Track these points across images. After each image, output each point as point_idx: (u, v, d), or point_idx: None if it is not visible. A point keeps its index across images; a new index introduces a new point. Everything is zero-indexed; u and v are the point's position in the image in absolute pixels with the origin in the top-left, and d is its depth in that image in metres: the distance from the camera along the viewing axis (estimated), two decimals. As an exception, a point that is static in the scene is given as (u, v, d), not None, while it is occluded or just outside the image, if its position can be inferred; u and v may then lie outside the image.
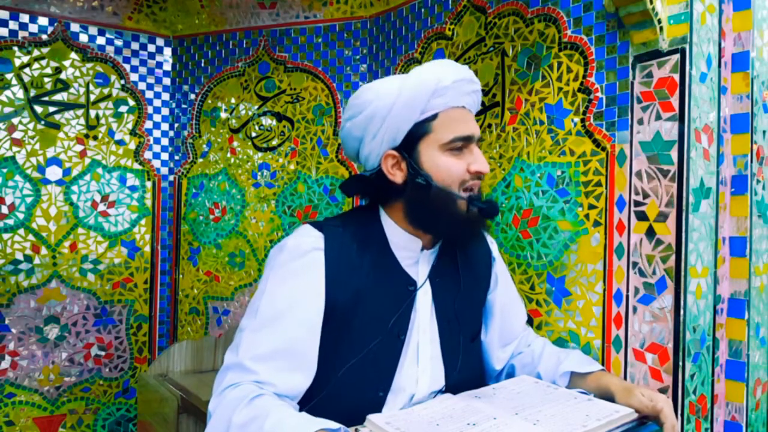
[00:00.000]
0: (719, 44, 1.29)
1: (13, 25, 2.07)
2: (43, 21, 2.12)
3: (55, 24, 2.14)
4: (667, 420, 1.01)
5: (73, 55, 2.17)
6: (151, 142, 2.33)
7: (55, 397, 2.18)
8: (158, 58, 2.35)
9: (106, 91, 2.24)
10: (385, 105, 1.06)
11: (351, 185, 1.22)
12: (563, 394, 1.10)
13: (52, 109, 2.14)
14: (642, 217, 1.27)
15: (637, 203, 1.28)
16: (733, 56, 1.33)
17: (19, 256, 2.10)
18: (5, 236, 2.08)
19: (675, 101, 1.21)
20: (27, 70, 2.10)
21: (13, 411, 2.11)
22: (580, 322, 1.40)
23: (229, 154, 2.30)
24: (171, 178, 2.36)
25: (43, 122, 2.13)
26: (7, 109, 2.07)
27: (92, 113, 2.21)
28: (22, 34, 2.09)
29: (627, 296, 1.30)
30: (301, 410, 1.03)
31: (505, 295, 1.30)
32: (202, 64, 2.33)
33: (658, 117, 1.24)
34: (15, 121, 2.08)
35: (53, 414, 2.18)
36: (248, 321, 1.04)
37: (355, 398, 1.06)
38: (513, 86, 1.57)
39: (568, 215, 1.42)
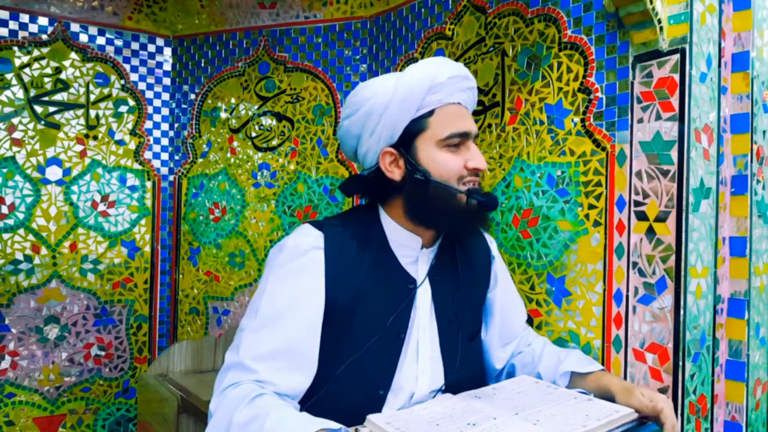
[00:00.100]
0: (719, 44, 1.29)
1: (13, 25, 2.07)
2: (43, 21, 2.12)
3: (55, 24, 2.14)
4: (667, 420, 1.01)
5: (73, 55, 2.17)
6: (151, 142, 2.33)
7: (55, 397, 2.18)
8: (158, 58, 2.35)
9: (106, 91, 2.24)
10: (381, 102, 1.06)
11: (350, 185, 1.22)
12: (563, 394, 1.10)
13: (52, 109, 2.15)
14: (642, 217, 1.27)
15: (637, 203, 1.28)
16: (733, 56, 1.33)
17: (19, 256, 2.10)
18: (5, 236, 2.08)
19: (675, 101, 1.21)
20: (27, 70, 2.10)
21: (13, 411, 2.11)
22: (580, 322, 1.40)
23: (229, 154, 2.30)
24: (171, 178, 2.36)
25: (43, 122, 2.13)
26: (7, 109, 2.07)
27: (92, 113, 2.21)
28: (22, 34, 2.09)
29: (627, 296, 1.30)
30: (302, 409, 1.03)
31: (504, 294, 1.30)
32: (202, 64, 2.33)
33: (658, 117, 1.24)
34: (15, 121, 2.08)
35: (53, 414, 2.18)
36: (248, 321, 1.04)
37: (356, 396, 1.06)
38: (513, 86, 1.57)
39: (568, 215, 1.42)
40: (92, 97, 2.21)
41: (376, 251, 1.12)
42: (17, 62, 2.08)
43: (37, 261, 2.13)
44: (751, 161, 1.34)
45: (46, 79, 2.13)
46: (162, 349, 2.31)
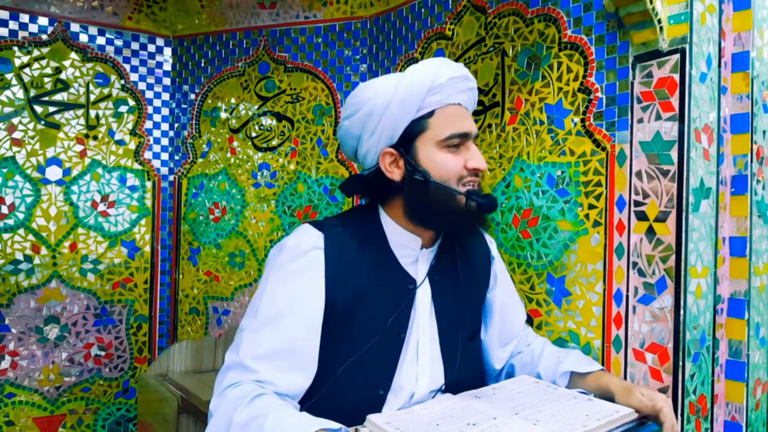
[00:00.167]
0: (719, 44, 1.29)
1: (13, 25, 2.07)
2: (43, 21, 2.12)
3: (55, 24, 2.14)
4: (666, 420, 1.01)
5: (73, 55, 2.17)
6: (151, 142, 2.33)
7: (55, 397, 2.18)
8: (158, 58, 2.35)
9: (106, 91, 2.24)
10: (382, 102, 1.06)
11: (350, 185, 1.22)
12: (563, 394, 1.10)
13: (52, 109, 2.15)
14: (642, 217, 1.27)
15: (637, 203, 1.28)
16: (733, 56, 1.33)
17: (19, 256, 2.10)
18: (5, 236, 2.08)
19: (675, 101, 1.21)
20: (27, 70, 2.10)
21: (13, 411, 2.11)
22: (580, 322, 1.40)
23: (229, 154, 2.30)
24: (171, 178, 2.36)
25: (43, 122, 2.13)
26: (7, 109, 2.07)
27: (92, 113, 2.21)
28: (22, 34, 2.09)
29: (627, 296, 1.30)
30: (302, 409, 1.03)
31: (504, 294, 1.30)
32: (202, 64, 2.33)
33: (658, 117, 1.24)
34: (15, 121, 2.08)
35: (53, 414, 2.18)
36: (248, 321, 1.04)
37: (356, 396, 1.06)
38: (513, 86, 1.57)
39: (568, 215, 1.43)
40: (92, 97, 2.21)
41: (376, 251, 1.12)
42: (17, 62, 2.08)
43: (37, 261, 2.13)
44: (751, 161, 1.34)
45: (46, 79, 2.13)
46: (162, 349, 2.31)
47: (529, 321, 1.50)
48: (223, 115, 2.30)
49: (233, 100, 2.28)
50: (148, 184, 2.33)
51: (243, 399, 0.92)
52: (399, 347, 1.11)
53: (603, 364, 1.32)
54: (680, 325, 1.20)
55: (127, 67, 2.28)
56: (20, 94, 2.09)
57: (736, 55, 1.33)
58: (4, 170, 2.07)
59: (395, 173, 1.10)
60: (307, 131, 2.18)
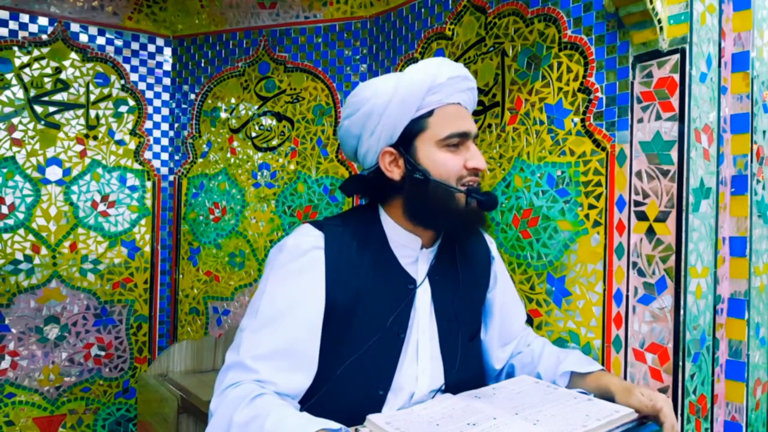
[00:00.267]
0: (719, 44, 1.29)
1: (13, 25, 2.07)
2: (43, 21, 2.12)
3: (55, 24, 2.14)
4: (666, 419, 1.01)
5: (73, 55, 2.17)
6: (151, 142, 2.33)
7: (55, 397, 2.18)
8: (158, 58, 2.35)
9: (106, 91, 2.24)
10: (382, 102, 1.06)
11: (350, 185, 1.23)
12: (563, 394, 1.10)
13: (52, 109, 2.15)
14: (642, 217, 1.27)
15: (637, 203, 1.28)
16: (733, 56, 1.33)
17: (19, 256, 2.10)
18: (5, 236, 2.08)
19: (675, 101, 1.21)
20: (27, 70, 2.10)
21: (13, 411, 2.11)
22: (580, 322, 1.40)
23: (229, 154, 2.30)
24: (171, 178, 2.36)
25: (43, 122, 2.13)
26: (7, 109, 2.07)
27: (92, 113, 2.21)
28: (22, 34, 2.09)
29: (627, 296, 1.30)
30: (302, 409, 1.03)
31: (504, 294, 1.30)
32: (202, 64, 2.33)
33: (658, 117, 1.24)
34: (15, 121, 2.08)
35: (53, 414, 2.18)
36: (249, 321, 1.04)
37: (356, 396, 1.06)
38: (513, 86, 1.57)
39: (568, 215, 1.43)
40: (92, 97, 2.21)
41: (376, 251, 1.12)
42: (17, 62, 2.08)
43: (37, 261, 2.13)
44: (751, 161, 1.34)
45: (46, 79, 2.13)
46: (162, 349, 2.31)
47: (529, 321, 1.50)
48: (223, 115, 2.30)
49: (233, 100, 2.28)
50: (148, 184, 2.33)
51: (243, 399, 0.92)
52: (399, 347, 1.11)
53: (603, 364, 1.32)
54: (680, 325, 1.20)
55: (127, 67, 2.28)
56: (20, 94, 2.09)
57: (736, 55, 1.33)
58: (4, 170, 2.07)
59: (395, 173, 1.10)
60: (307, 131, 2.18)
